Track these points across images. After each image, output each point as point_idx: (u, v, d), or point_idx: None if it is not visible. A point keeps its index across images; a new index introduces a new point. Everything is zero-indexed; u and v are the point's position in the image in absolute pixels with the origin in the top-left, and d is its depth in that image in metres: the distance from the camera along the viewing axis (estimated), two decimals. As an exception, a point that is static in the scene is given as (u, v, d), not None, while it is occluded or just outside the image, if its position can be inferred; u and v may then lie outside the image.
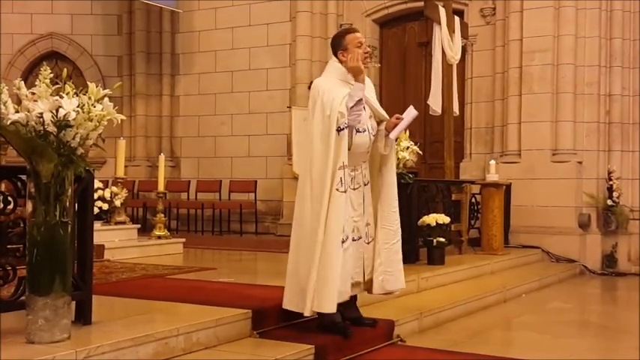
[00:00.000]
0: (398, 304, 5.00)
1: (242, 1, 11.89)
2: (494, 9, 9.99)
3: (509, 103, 9.62)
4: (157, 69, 12.68)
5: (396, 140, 4.66)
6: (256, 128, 11.81)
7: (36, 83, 3.11)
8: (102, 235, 6.64)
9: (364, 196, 4.24)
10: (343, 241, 3.96)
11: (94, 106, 3.16)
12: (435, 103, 8.34)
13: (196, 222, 11.68)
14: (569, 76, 9.32)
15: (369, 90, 4.26)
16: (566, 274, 8.53)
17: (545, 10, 9.34)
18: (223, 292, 4.92)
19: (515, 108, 9.54)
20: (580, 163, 9.34)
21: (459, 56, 8.77)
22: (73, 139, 3.10)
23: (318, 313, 4.14)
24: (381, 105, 4.39)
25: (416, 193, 6.97)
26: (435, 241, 6.79)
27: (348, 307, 4.29)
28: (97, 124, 3.17)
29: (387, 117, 4.32)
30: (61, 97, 3.08)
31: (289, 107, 10.64)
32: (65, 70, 3.51)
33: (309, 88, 4.32)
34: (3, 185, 3.95)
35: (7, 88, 3.13)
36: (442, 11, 8.46)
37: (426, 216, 6.94)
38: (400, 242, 4.41)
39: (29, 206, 3.15)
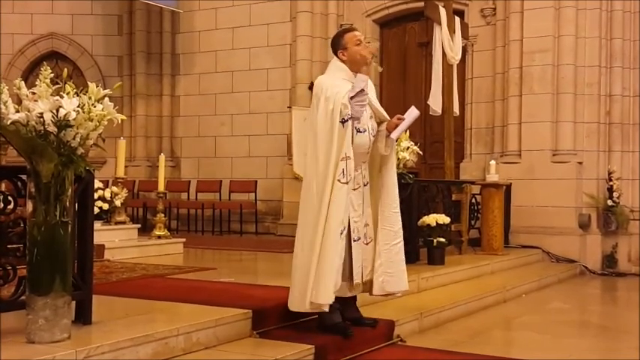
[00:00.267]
0: (398, 304, 5.00)
1: (242, 1, 11.89)
2: (494, 9, 9.99)
3: (509, 103, 9.62)
4: (158, 69, 12.68)
5: (397, 140, 4.65)
6: (256, 128, 11.81)
7: (36, 83, 3.11)
8: (102, 234, 6.64)
9: (363, 196, 4.23)
10: (341, 232, 3.94)
11: (95, 106, 3.16)
12: (436, 103, 8.34)
13: (196, 222, 11.68)
14: (569, 76, 9.32)
15: (369, 90, 4.27)
16: (567, 275, 8.53)
17: (545, 10, 9.34)
18: (223, 292, 4.92)
19: (516, 108, 9.54)
20: (580, 163, 9.34)
21: (459, 56, 8.77)
22: (74, 139, 3.11)
23: (319, 314, 4.14)
24: (382, 105, 4.39)
25: (416, 194, 6.97)
26: (435, 241, 6.79)
27: (348, 307, 4.30)
28: (98, 124, 3.17)
29: (388, 117, 4.32)
30: (62, 97, 3.08)
31: (289, 107, 10.64)
32: (65, 70, 3.52)
33: (310, 88, 4.34)
34: (3, 185, 3.95)
35: (7, 88, 3.13)
36: (442, 11, 8.46)
37: (426, 216, 6.94)
38: (402, 243, 4.40)
39: (29, 206, 3.15)
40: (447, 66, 8.53)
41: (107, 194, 7.15)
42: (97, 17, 12.75)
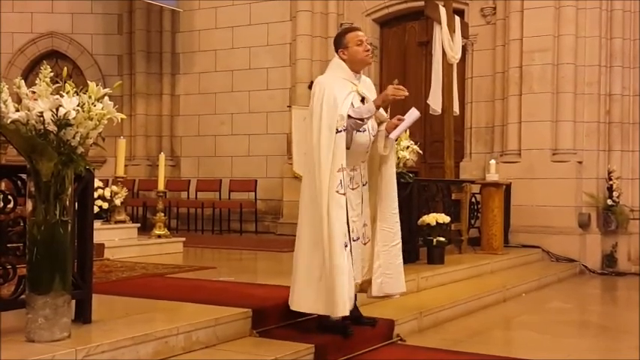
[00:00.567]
0: (398, 304, 4.99)
1: (242, 0, 11.89)
2: (494, 9, 9.99)
3: (509, 102, 9.62)
4: (157, 68, 12.68)
5: (396, 140, 4.65)
6: (256, 127, 11.81)
7: (36, 82, 3.11)
8: (102, 234, 6.64)
9: (362, 196, 4.23)
10: (346, 245, 3.94)
11: (95, 105, 3.16)
12: (435, 102, 8.34)
13: (196, 221, 11.68)
14: (569, 75, 9.32)
15: (369, 90, 4.28)
16: (566, 274, 8.53)
17: (545, 9, 9.34)
18: (223, 291, 4.92)
19: (516, 107, 9.54)
20: (580, 162, 9.34)
21: (459, 56, 8.76)
22: (73, 137, 3.10)
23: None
24: (381, 104, 4.39)
25: (416, 193, 6.97)
26: (434, 240, 6.79)
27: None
28: (97, 123, 3.17)
29: (388, 118, 4.32)
30: (62, 96, 3.08)
31: (289, 107, 10.65)
32: (65, 69, 3.53)
33: (310, 87, 4.33)
34: (3, 184, 3.94)
35: (7, 86, 3.13)
36: (442, 11, 8.46)
37: (425, 215, 6.94)
38: (400, 244, 4.40)
39: (29, 205, 3.15)
40: (446, 65, 8.53)
41: (107, 193, 7.15)
42: (96, 16, 12.74)
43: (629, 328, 5.52)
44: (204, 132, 12.38)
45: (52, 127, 3.05)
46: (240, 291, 4.88)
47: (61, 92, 3.10)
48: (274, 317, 4.24)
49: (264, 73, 11.76)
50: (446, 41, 8.45)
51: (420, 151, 7.30)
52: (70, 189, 3.18)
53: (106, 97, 3.23)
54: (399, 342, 4.60)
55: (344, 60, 4.22)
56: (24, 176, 3.27)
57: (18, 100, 3.15)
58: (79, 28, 12.62)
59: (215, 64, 12.25)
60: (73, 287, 3.31)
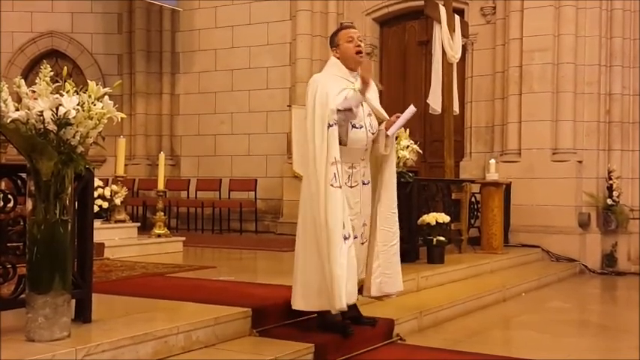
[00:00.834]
0: (397, 303, 4.99)
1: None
2: (494, 8, 9.99)
3: (509, 102, 9.62)
4: (157, 67, 12.68)
5: (396, 139, 4.65)
6: (256, 127, 11.81)
7: (36, 81, 3.11)
8: (102, 233, 6.65)
9: (362, 195, 4.22)
10: (346, 238, 3.94)
11: (94, 105, 3.16)
12: (435, 102, 8.33)
13: (196, 220, 11.68)
14: (569, 75, 9.32)
15: (371, 91, 4.27)
16: (566, 274, 8.54)
17: (545, 9, 9.34)
18: (223, 290, 4.92)
19: (516, 107, 9.54)
20: (580, 162, 9.34)
21: (459, 55, 8.76)
22: (73, 137, 3.10)
23: (318, 312, 4.14)
24: (381, 104, 4.39)
25: (416, 192, 6.97)
26: (434, 240, 6.79)
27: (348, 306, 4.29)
28: (97, 122, 3.17)
29: (388, 117, 4.32)
30: (61, 95, 3.08)
31: (289, 106, 10.63)
32: (65, 68, 3.52)
33: (309, 87, 4.33)
34: (3, 183, 3.95)
35: (7, 86, 3.13)
36: (442, 10, 8.46)
37: (425, 215, 6.94)
38: (398, 244, 4.40)
39: (29, 204, 3.14)
40: (446, 65, 8.52)
41: (107, 193, 7.15)
42: (96, 15, 12.74)
43: (629, 328, 5.52)
44: (204, 131, 12.38)
45: (52, 127, 3.05)
46: (240, 290, 4.88)
47: (61, 91, 3.10)
48: (274, 317, 4.24)
49: (264, 73, 11.75)
50: (446, 40, 8.45)
51: (420, 151, 7.30)
52: (70, 188, 3.18)
53: (106, 97, 3.22)
54: (399, 341, 4.60)
55: (338, 58, 4.27)
56: (24, 175, 3.27)
57: (18, 99, 3.15)
58: (78, 28, 12.62)
59: (215, 64, 12.25)
60: (73, 287, 3.31)
